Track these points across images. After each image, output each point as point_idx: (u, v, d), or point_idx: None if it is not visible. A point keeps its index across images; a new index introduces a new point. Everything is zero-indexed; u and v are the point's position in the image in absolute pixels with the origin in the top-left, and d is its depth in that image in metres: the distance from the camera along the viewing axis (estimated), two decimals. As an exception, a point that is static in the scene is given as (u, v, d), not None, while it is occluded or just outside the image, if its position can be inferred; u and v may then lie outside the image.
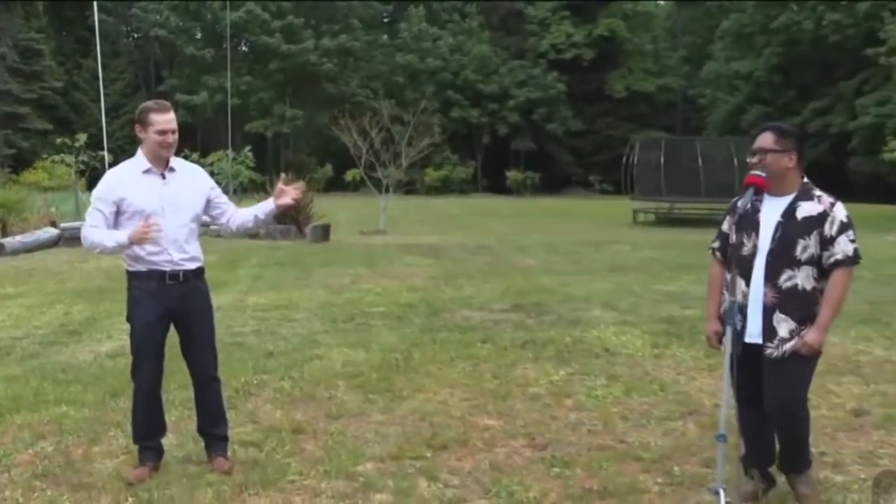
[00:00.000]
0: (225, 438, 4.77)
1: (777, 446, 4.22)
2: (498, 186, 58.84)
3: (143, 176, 4.46)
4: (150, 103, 4.52)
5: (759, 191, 4.03)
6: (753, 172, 4.00)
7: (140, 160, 4.49)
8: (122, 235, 4.33)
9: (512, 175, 58.38)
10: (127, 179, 4.46)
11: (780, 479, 4.28)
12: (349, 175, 44.69)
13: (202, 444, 4.79)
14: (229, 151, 29.06)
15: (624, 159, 34.00)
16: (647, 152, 33.32)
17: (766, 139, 4.01)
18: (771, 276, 3.97)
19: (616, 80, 61.64)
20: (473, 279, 12.65)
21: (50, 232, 18.49)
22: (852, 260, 3.93)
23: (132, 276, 4.50)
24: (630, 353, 7.49)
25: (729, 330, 3.83)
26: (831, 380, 6.38)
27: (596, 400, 5.99)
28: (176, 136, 4.45)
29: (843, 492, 4.30)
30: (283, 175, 5.40)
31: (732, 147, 32.07)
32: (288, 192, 4.76)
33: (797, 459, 4.19)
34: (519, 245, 19.41)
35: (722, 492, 3.72)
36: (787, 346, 3.96)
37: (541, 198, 53.52)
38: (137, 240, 4.27)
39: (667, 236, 23.17)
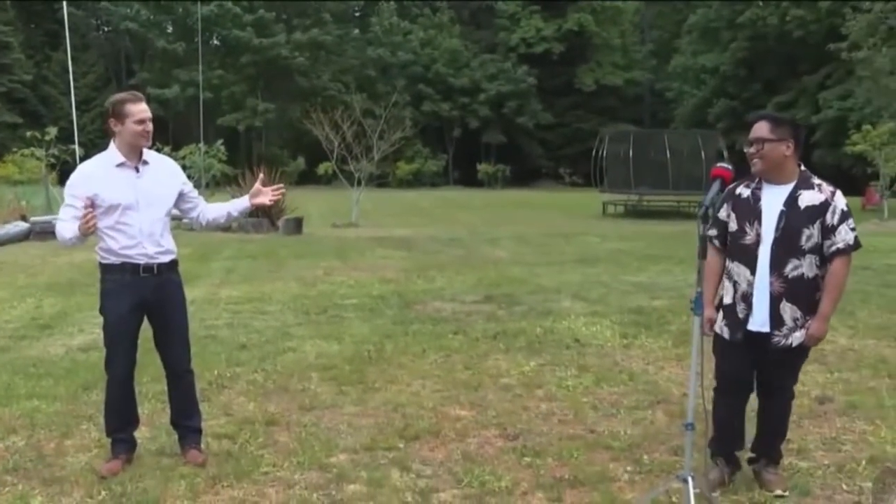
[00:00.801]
0: (198, 431, 4.76)
1: (755, 433, 4.30)
2: (469, 179, 58.95)
3: (116, 170, 4.42)
4: (123, 94, 4.48)
5: (726, 183, 4.07)
6: (720, 165, 4.01)
7: (113, 154, 4.44)
8: (75, 227, 4.25)
9: (483, 168, 58.48)
10: (99, 174, 4.42)
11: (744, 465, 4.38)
12: (321, 168, 44.31)
13: (175, 436, 4.78)
14: (201, 145, 28.87)
15: (593, 152, 34.17)
16: (615, 145, 33.49)
17: (761, 128, 4.02)
18: (777, 265, 3.99)
19: (585, 73, 61.99)
20: (445, 271, 12.69)
21: (20, 226, 18.32)
22: (853, 247, 3.99)
23: (106, 268, 4.46)
24: (600, 343, 7.56)
25: (697, 320, 3.82)
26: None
27: (566, 390, 6.05)
28: (151, 125, 4.44)
29: (807, 477, 4.39)
30: (261, 175, 5.38)
31: (699, 140, 32.41)
32: (265, 193, 4.76)
33: (775, 445, 4.30)
34: (490, 237, 19.50)
35: (690, 479, 3.73)
36: (796, 334, 4.01)
37: (511, 190, 53.65)
38: (83, 232, 4.22)
39: (635, 228, 23.34)
